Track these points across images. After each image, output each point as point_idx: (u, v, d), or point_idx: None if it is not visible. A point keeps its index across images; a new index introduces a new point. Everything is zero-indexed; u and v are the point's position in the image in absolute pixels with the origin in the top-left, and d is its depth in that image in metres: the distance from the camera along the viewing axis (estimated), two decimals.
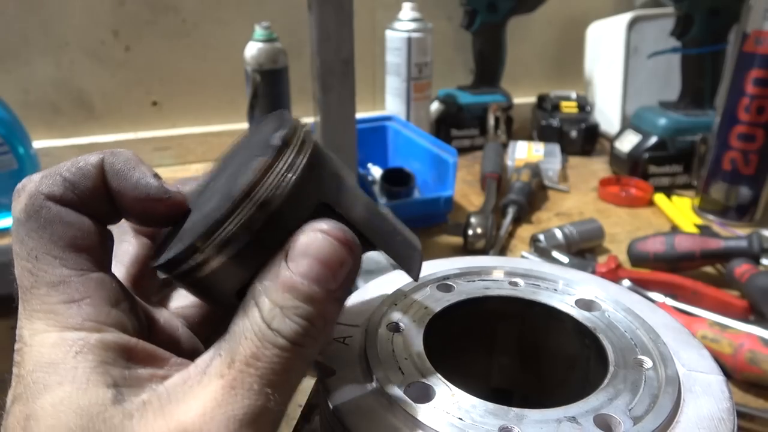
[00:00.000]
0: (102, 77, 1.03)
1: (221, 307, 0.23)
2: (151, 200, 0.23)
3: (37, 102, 1.01)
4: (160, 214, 0.24)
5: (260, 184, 0.21)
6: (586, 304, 0.34)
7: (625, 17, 1.13)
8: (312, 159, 0.22)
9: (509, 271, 0.36)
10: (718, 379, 0.29)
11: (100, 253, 0.23)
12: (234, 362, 0.19)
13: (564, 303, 0.34)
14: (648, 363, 0.29)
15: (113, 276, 0.23)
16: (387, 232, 0.25)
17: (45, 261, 0.21)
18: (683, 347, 0.31)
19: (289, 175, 0.21)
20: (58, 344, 0.20)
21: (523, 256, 0.75)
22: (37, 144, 0.93)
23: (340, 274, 0.21)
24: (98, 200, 0.23)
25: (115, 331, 0.21)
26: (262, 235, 0.21)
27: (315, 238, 0.21)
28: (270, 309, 0.20)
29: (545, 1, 1.14)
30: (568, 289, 0.35)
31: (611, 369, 0.29)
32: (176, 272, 0.22)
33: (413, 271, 0.27)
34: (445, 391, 0.27)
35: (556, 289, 0.35)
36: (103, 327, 0.21)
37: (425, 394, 0.27)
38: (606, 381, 0.28)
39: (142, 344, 0.22)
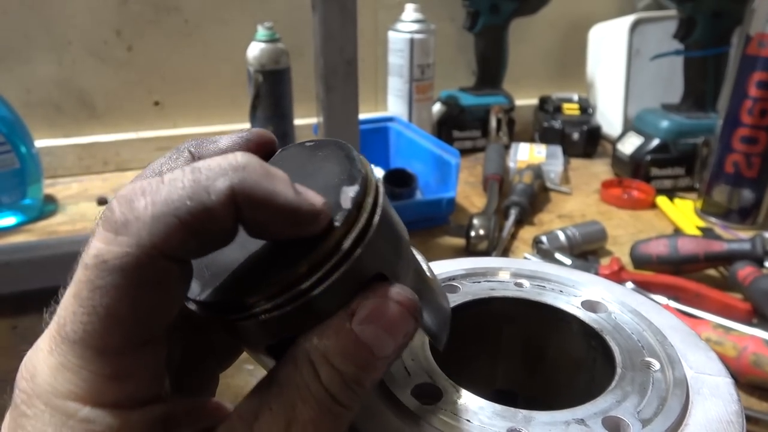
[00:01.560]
0: (104, 77, 1.03)
1: (247, 347, 0.22)
2: (298, 224, 0.19)
3: (39, 101, 1.01)
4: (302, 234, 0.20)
5: (327, 258, 0.19)
6: (592, 306, 0.34)
7: (628, 20, 1.13)
8: (380, 226, 0.20)
9: (515, 272, 0.36)
10: (726, 382, 0.29)
11: (170, 320, 0.20)
12: (291, 426, 0.18)
13: (570, 304, 0.34)
14: (655, 365, 0.29)
15: (164, 337, 0.20)
16: (428, 301, 0.24)
17: (107, 325, 0.18)
18: (690, 349, 0.30)
19: (358, 251, 0.19)
20: (87, 421, 0.18)
21: (525, 258, 0.75)
22: (39, 143, 0.93)
23: (403, 344, 0.20)
24: (217, 243, 0.19)
25: (155, 404, 0.19)
26: (318, 300, 0.19)
27: (385, 305, 0.20)
28: (330, 374, 0.19)
29: (548, 3, 1.14)
30: (573, 291, 0.35)
31: (619, 371, 0.28)
32: (218, 316, 0.20)
33: (440, 339, 0.26)
34: (452, 392, 0.26)
35: (561, 291, 0.35)
36: (139, 406, 0.19)
37: (432, 396, 0.26)
38: (614, 383, 0.28)
39: (179, 405, 0.20)
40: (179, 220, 0.17)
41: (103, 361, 0.18)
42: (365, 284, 0.20)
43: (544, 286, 0.35)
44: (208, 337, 0.25)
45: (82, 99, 1.03)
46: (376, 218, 0.20)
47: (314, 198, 0.19)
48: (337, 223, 0.19)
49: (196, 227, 0.17)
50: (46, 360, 0.18)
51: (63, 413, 0.18)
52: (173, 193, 0.17)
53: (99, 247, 0.17)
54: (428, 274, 0.25)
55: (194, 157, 0.23)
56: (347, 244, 0.19)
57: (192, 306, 0.21)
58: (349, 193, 0.20)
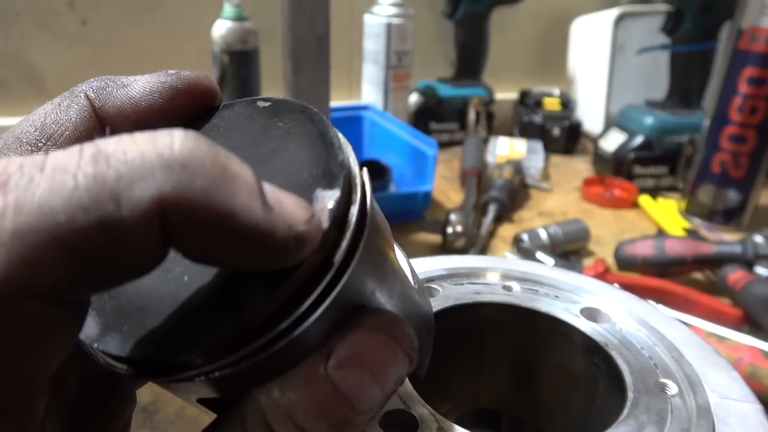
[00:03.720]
0: (55, 52, 0.95)
1: (180, 397, 0.16)
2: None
3: None
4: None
5: (299, 298, 0.14)
6: (593, 314, 0.29)
7: (612, 13, 1.10)
8: (368, 244, 0.14)
9: (504, 274, 0.31)
10: (754, 408, 0.24)
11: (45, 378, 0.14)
12: None
13: (568, 312, 0.29)
14: (673, 388, 0.24)
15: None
16: (411, 316, 0.18)
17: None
18: (710, 368, 0.26)
19: (339, 285, 0.14)
20: None
21: (505, 257, 0.71)
22: None
23: (392, 392, 0.15)
24: (126, 278, 0.13)
25: None
26: (284, 351, 0.14)
27: (372, 342, 0.14)
28: None
29: None
30: (571, 297, 0.30)
31: (630, 395, 0.24)
32: (141, 375, 0.14)
33: (422, 365, 0.20)
34: (430, 421, 0.21)
35: (557, 296, 0.30)
36: None
37: (405, 427, 0.21)
38: (626, 411, 0.23)
39: None
40: (60, 244, 0.11)
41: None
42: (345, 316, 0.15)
43: (536, 291, 0.30)
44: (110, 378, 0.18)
45: (31, 75, 0.95)
46: (364, 237, 0.14)
47: (294, 213, 0.13)
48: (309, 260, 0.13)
49: (91, 257, 0.11)
50: None
51: None
52: (56, 194, 0.11)
53: None
54: (412, 281, 0.20)
55: (95, 110, 0.17)
56: (326, 279, 0.14)
57: (99, 360, 0.14)
58: (328, 202, 0.14)
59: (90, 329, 0.14)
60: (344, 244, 0.14)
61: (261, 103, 0.18)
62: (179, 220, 0.11)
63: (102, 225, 0.11)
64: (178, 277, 0.14)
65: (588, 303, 0.29)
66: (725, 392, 0.25)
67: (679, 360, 0.26)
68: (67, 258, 0.11)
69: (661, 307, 0.59)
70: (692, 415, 0.23)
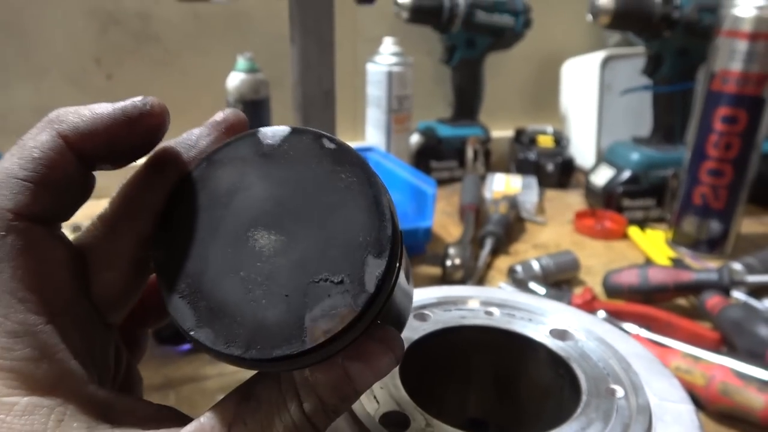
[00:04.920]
0: (82, 104, 1.03)
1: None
2: (129, 122, 0.19)
3: (15, 127, 1.00)
4: (141, 137, 0.20)
5: (339, 337, 0.18)
6: (559, 334, 0.34)
7: (599, 55, 1.17)
8: (391, 300, 0.20)
9: (485, 301, 0.37)
10: (688, 409, 0.29)
11: (71, 287, 0.19)
12: None
13: (538, 332, 0.34)
14: (620, 392, 0.29)
15: (85, 309, 0.20)
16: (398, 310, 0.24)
17: (5, 303, 0.17)
18: (654, 376, 0.31)
19: (374, 323, 0.20)
20: (30, 412, 0.17)
21: (500, 287, 0.76)
22: None
23: (382, 377, 0.21)
24: (72, 188, 0.19)
25: (92, 387, 0.19)
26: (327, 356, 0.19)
27: (375, 347, 0.20)
28: (314, 403, 0.19)
29: (521, 38, 1.17)
30: (542, 319, 0.36)
31: (584, 398, 0.29)
32: (216, 355, 0.19)
33: (402, 326, 0.26)
34: (420, 420, 0.27)
35: (530, 319, 0.36)
36: (80, 385, 0.18)
37: (400, 424, 0.27)
38: (579, 410, 0.28)
39: (121, 399, 0.19)
40: (19, 179, 0.18)
41: (22, 343, 0.17)
42: None
43: (513, 315, 0.36)
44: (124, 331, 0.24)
45: None
46: (391, 296, 0.20)
47: (134, 99, 0.20)
48: (357, 308, 0.18)
49: (38, 180, 0.18)
50: None
51: (2, 411, 0.17)
52: (5, 162, 0.18)
53: None
54: (407, 285, 0.25)
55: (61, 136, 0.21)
56: (362, 324, 0.19)
57: (199, 346, 0.19)
58: (375, 271, 0.18)
59: (188, 320, 0.19)
60: (382, 299, 0.19)
61: (327, 143, 0.20)
62: (72, 136, 0.19)
63: (33, 158, 0.19)
64: (247, 287, 0.19)
65: (555, 324, 0.35)
66: (665, 395, 0.30)
67: (628, 370, 0.31)
68: (28, 186, 0.18)
69: (643, 331, 0.64)
70: (633, 413, 0.28)
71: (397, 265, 0.19)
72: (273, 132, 0.21)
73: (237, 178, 0.20)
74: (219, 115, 0.22)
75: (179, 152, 0.21)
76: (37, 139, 0.19)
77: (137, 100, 0.20)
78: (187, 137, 0.22)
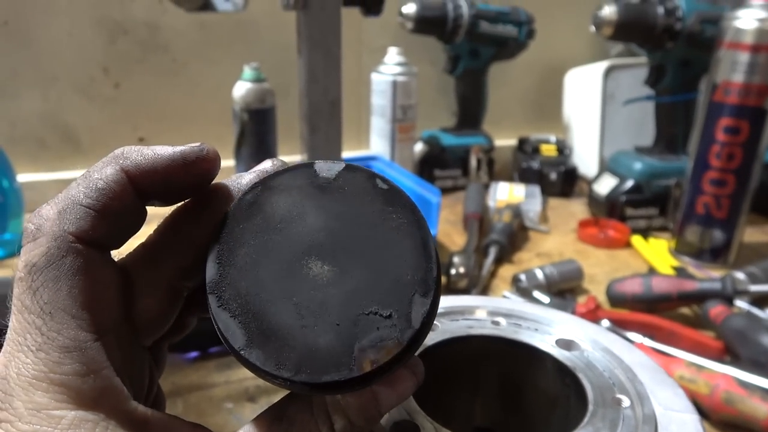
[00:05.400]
0: (90, 113, 1.04)
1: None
2: (186, 165, 0.21)
3: (23, 136, 1.01)
4: (195, 178, 0.21)
5: (385, 368, 0.20)
6: (566, 344, 0.35)
7: (602, 66, 1.18)
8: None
9: (492, 311, 0.37)
10: (692, 418, 0.30)
11: (117, 308, 0.20)
12: None
13: (544, 342, 0.35)
14: (626, 402, 0.30)
15: (127, 330, 0.21)
16: None
17: (60, 320, 0.18)
18: (659, 386, 0.32)
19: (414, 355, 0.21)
20: (77, 426, 0.17)
21: (504, 296, 0.76)
22: (22, 177, 0.93)
23: (405, 399, 0.22)
24: (127, 219, 0.21)
25: (133, 403, 0.19)
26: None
27: (402, 373, 0.21)
28: (343, 424, 0.20)
29: (525, 48, 1.18)
30: (548, 329, 0.36)
31: (590, 407, 0.30)
32: (272, 379, 0.20)
33: None
34: (429, 429, 0.27)
35: (537, 329, 0.36)
36: (122, 401, 0.19)
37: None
38: (585, 419, 0.29)
39: (156, 416, 0.20)
40: (82, 206, 0.19)
41: (72, 358, 0.18)
42: None
43: (520, 325, 0.37)
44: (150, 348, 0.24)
45: (67, 134, 1.04)
46: (429, 328, 0.21)
47: (192, 145, 0.21)
48: (403, 342, 0.19)
49: (99, 208, 0.19)
50: (13, 382, 0.18)
51: (49, 424, 0.17)
52: (72, 190, 0.20)
53: (25, 258, 0.19)
54: None
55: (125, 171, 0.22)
56: (407, 358, 0.20)
57: (248, 366, 0.20)
58: (421, 309, 0.20)
59: (238, 339, 0.19)
60: (424, 335, 0.20)
61: (380, 183, 0.22)
62: (135, 172, 0.21)
63: (97, 189, 0.20)
64: (309, 321, 0.20)
65: (561, 334, 0.35)
66: (670, 405, 0.30)
67: (633, 380, 0.31)
68: (90, 213, 0.19)
69: (647, 340, 0.64)
70: (639, 422, 0.29)
71: (438, 301, 0.21)
72: (329, 166, 0.22)
73: (292, 207, 0.21)
74: (267, 164, 0.24)
75: (230, 191, 0.22)
76: (102, 172, 0.20)
77: (195, 145, 0.21)
78: (237, 179, 0.23)
